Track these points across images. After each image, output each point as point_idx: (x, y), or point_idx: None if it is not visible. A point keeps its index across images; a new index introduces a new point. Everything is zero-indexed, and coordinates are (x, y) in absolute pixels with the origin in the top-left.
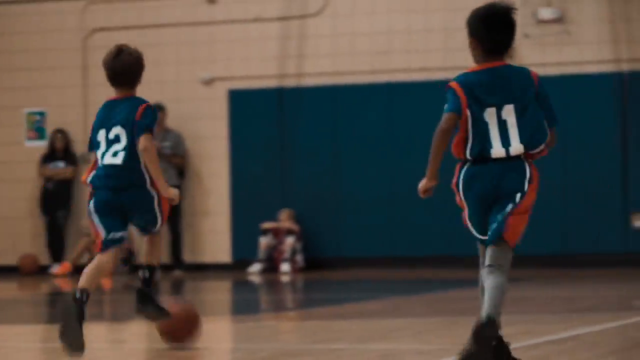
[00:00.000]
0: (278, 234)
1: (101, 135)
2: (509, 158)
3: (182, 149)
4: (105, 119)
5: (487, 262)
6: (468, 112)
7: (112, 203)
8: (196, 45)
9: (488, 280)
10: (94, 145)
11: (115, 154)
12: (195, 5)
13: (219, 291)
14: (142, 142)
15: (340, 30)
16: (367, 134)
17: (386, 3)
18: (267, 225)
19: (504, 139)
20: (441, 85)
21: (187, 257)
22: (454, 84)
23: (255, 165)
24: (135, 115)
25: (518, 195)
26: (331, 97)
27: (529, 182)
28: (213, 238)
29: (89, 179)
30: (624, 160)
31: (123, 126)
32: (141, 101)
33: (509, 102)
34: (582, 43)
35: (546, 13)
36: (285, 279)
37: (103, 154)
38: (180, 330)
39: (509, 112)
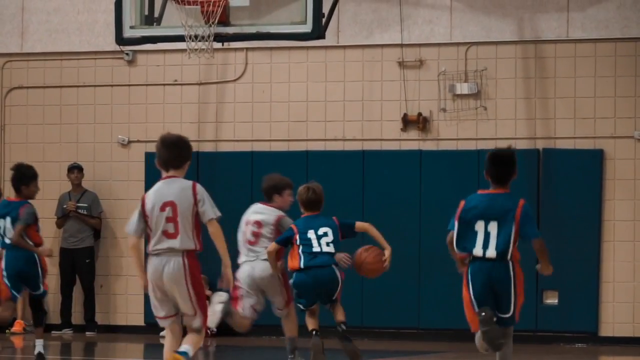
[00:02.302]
0: None
1: (311, 233)
2: (493, 259)
3: (98, 210)
4: (308, 225)
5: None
6: (457, 223)
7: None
8: (114, 106)
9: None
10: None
11: (328, 244)
12: (114, 67)
13: (131, 354)
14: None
15: (258, 98)
16: None
17: (304, 72)
18: None
19: (484, 245)
20: (357, 155)
21: (100, 318)
22: (462, 202)
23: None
24: (334, 222)
25: (512, 292)
26: (248, 163)
27: (514, 278)
28: (126, 300)
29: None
30: None
31: (329, 227)
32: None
33: (493, 220)
34: (498, 119)
35: (463, 88)
36: None
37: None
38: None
39: (492, 227)
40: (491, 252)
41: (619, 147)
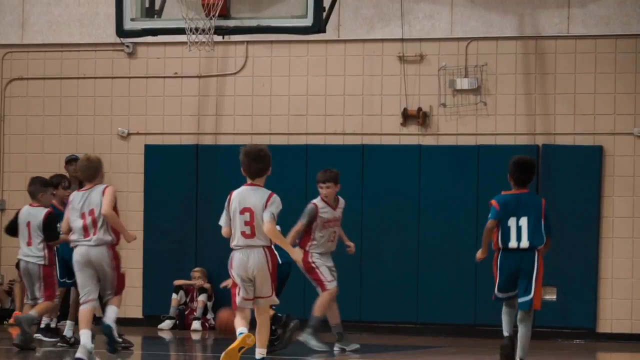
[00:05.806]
0: (190, 291)
1: None
2: (524, 249)
3: None
4: None
5: (519, 316)
6: (499, 220)
7: None
8: (114, 98)
9: (521, 326)
10: None
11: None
12: (115, 59)
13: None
14: None
15: (258, 91)
16: (282, 195)
17: (304, 66)
18: (179, 282)
19: (518, 237)
20: (356, 149)
21: (97, 310)
22: (494, 202)
23: (169, 222)
24: None
25: (534, 277)
26: None
27: (537, 264)
28: (125, 293)
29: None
30: None
31: None
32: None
33: (524, 216)
34: (498, 114)
35: (463, 83)
36: (195, 336)
37: None
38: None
39: (523, 222)
40: (524, 243)
41: (619, 144)
